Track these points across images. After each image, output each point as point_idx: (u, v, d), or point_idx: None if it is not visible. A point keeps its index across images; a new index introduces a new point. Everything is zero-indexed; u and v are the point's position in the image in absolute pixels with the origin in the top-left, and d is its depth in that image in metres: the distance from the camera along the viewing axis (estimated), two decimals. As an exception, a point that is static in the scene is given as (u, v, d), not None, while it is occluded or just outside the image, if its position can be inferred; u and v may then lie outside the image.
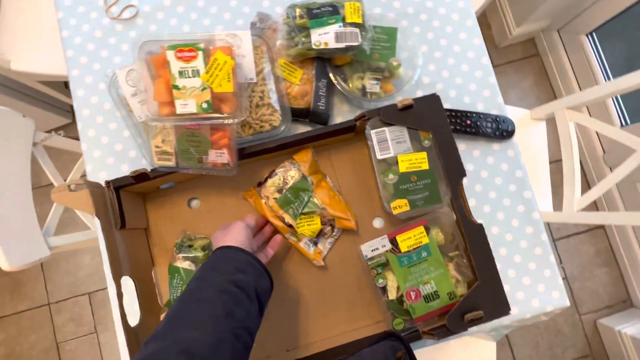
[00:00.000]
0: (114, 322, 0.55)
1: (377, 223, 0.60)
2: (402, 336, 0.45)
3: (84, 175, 0.63)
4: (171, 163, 0.52)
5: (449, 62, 0.65)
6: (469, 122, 0.61)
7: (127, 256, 0.51)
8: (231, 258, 0.44)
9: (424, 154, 0.54)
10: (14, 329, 1.24)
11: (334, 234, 0.58)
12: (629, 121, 1.18)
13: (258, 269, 0.44)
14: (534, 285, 0.59)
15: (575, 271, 1.28)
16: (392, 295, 0.52)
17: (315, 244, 0.57)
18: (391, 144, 0.54)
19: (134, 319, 0.49)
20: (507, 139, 0.63)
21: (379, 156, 0.54)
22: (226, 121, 0.48)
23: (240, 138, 0.56)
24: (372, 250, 0.53)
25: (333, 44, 0.55)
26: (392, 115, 0.53)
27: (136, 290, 0.51)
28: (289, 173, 0.57)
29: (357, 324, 0.57)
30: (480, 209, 0.61)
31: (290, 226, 0.56)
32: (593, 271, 1.28)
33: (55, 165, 0.81)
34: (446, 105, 0.64)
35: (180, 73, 0.48)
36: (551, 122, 0.94)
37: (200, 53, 0.48)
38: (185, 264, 0.54)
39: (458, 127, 0.61)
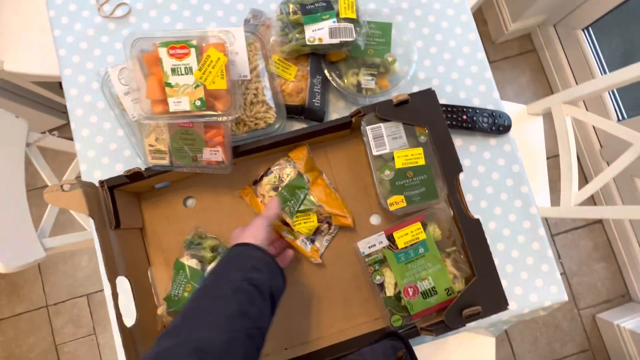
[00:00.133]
0: (111, 323, 0.55)
1: (374, 220, 0.60)
2: (403, 336, 0.45)
3: (79, 176, 0.62)
4: (165, 162, 0.51)
5: (444, 58, 0.65)
6: (465, 117, 0.61)
7: (122, 256, 0.51)
8: (248, 255, 0.43)
9: (420, 150, 0.53)
10: (12, 332, 1.24)
11: (330, 231, 0.58)
12: (625, 115, 1.18)
13: (273, 268, 0.44)
14: (531, 280, 0.59)
15: (574, 266, 1.28)
16: (390, 291, 0.52)
17: (312, 241, 0.57)
18: (387, 140, 0.53)
19: (130, 320, 0.49)
20: (504, 134, 0.63)
21: (375, 152, 0.53)
22: (220, 119, 0.48)
23: (235, 136, 0.55)
24: (369, 247, 0.53)
25: (327, 40, 0.54)
26: (388, 111, 0.53)
27: (132, 290, 0.51)
28: (284, 171, 0.56)
29: (355, 321, 0.57)
30: (477, 204, 0.61)
31: (286, 224, 0.56)
32: (591, 266, 1.28)
33: (51, 166, 0.80)
34: (442, 101, 0.64)
35: (173, 70, 0.47)
36: (548, 118, 0.94)
37: (192, 50, 0.47)
38: (192, 262, 0.53)
39: (454, 123, 0.61)
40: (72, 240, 0.76)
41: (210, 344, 0.34)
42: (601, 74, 1.20)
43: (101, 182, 0.51)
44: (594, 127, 1.24)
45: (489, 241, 0.50)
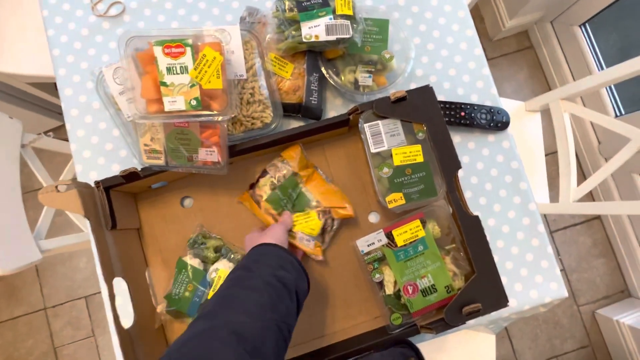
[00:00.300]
0: (109, 324, 0.54)
1: (373, 218, 0.60)
2: (413, 343, 0.45)
3: (75, 177, 0.62)
4: (160, 162, 0.51)
5: (442, 54, 0.65)
6: (463, 113, 0.61)
7: (119, 257, 0.51)
8: (274, 254, 0.44)
9: (418, 147, 0.53)
10: (10, 335, 1.23)
11: (334, 227, 0.57)
12: (623, 111, 1.18)
13: (298, 269, 0.44)
14: (531, 277, 0.59)
15: (573, 263, 1.28)
16: (389, 290, 0.52)
17: (315, 238, 0.56)
18: (385, 137, 0.53)
19: (127, 321, 0.48)
20: (502, 130, 0.62)
21: (373, 150, 0.53)
22: (216, 118, 0.47)
23: (231, 135, 0.55)
24: (368, 245, 0.53)
25: (324, 37, 0.54)
26: (386, 108, 0.53)
27: (129, 291, 0.51)
28: (280, 172, 0.56)
29: (355, 320, 0.57)
30: (476, 201, 0.61)
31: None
32: (590, 262, 1.28)
33: (47, 167, 0.79)
34: (440, 98, 0.63)
35: (168, 69, 0.47)
36: (546, 115, 0.94)
37: (188, 49, 0.47)
38: (195, 262, 0.53)
39: (452, 119, 0.61)
40: (69, 242, 0.75)
41: (246, 328, 0.35)
42: (598, 70, 1.20)
43: (97, 183, 0.51)
44: (592, 123, 1.24)
45: (488, 238, 0.49)
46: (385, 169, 0.53)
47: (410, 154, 0.53)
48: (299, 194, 0.55)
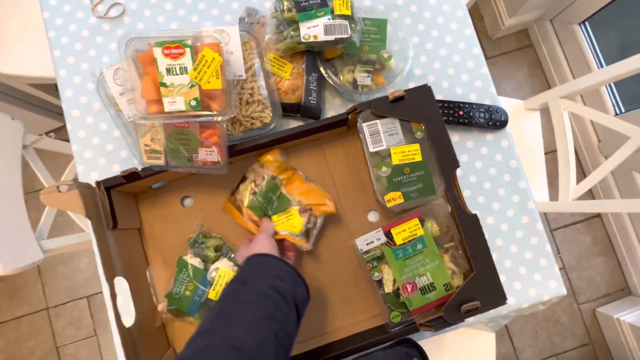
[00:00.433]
0: (111, 323, 0.55)
1: (372, 216, 0.60)
2: (417, 342, 0.45)
3: (77, 178, 0.62)
4: (161, 162, 0.51)
5: (440, 53, 0.65)
6: (461, 112, 0.61)
7: (120, 257, 0.51)
8: (269, 265, 0.44)
9: (416, 146, 0.53)
10: (13, 334, 1.24)
11: (317, 224, 0.56)
12: (623, 109, 1.18)
13: (295, 277, 0.45)
14: (530, 275, 0.59)
15: (573, 261, 1.28)
16: (388, 288, 0.52)
17: (298, 234, 0.56)
18: (383, 137, 0.53)
19: (129, 320, 0.49)
20: (501, 129, 0.63)
21: (372, 149, 0.53)
22: (215, 119, 0.48)
23: (231, 135, 0.55)
24: (367, 244, 0.53)
25: (322, 37, 0.54)
26: (384, 108, 0.53)
27: (130, 290, 0.51)
28: (259, 176, 0.56)
29: (354, 319, 0.57)
30: (475, 200, 0.61)
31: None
32: (590, 260, 1.28)
33: (49, 168, 0.80)
34: (439, 97, 0.64)
35: (168, 70, 0.47)
36: (545, 113, 0.94)
37: (187, 50, 0.47)
38: (195, 261, 0.53)
39: (451, 118, 0.61)
40: (71, 242, 0.75)
41: (244, 343, 0.35)
42: (598, 68, 1.20)
43: (98, 183, 0.51)
44: (591, 121, 1.24)
45: (487, 236, 0.50)
46: (384, 168, 0.53)
47: (408, 153, 0.53)
48: (279, 196, 0.55)
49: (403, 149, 0.53)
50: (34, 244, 0.68)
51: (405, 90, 0.53)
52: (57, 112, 1.26)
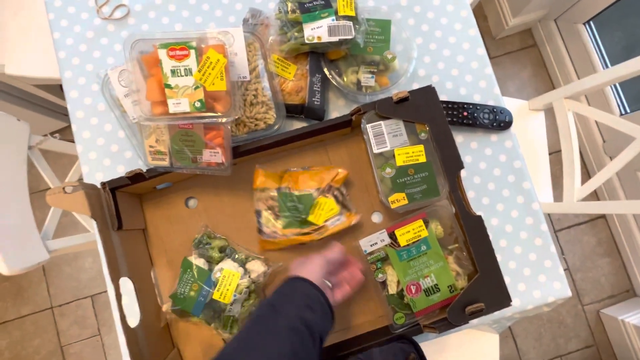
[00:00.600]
0: (115, 323, 0.55)
1: (376, 218, 0.60)
2: (414, 339, 0.45)
3: (81, 179, 0.63)
4: (165, 163, 0.51)
5: (444, 54, 0.65)
6: (465, 113, 0.61)
7: (125, 257, 0.51)
8: (304, 292, 0.43)
9: (421, 147, 0.53)
10: (18, 333, 1.25)
11: (344, 193, 0.57)
12: (628, 109, 1.18)
13: (325, 310, 0.43)
14: (534, 276, 0.59)
15: (577, 262, 1.27)
16: (393, 289, 0.52)
17: (341, 212, 0.56)
18: (387, 138, 0.53)
19: (134, 320, 0.49)
20: (505, 130, 0.62)
21: (376, 150, 0.53)
22: (220, 120, 0.48)
23: (235, 137, 0.55)
24: (371, 245, 0.53)
25: (326, 38, 0.54)
26: (388, 109, 0.53)
27: (135, 291, 0.51)
28: (268, 200, 0.56)
29: (358, 320, 0.57)
30: (479, 201, 0.61)
31: (306, 233, 0.55)
32: (595, 261, 1.27)
33: (53, 168, 0.80)
34: (442, 97, 0.63)
35: (173, 72, 0.47)
36: (549, 113, 0.93)
37: (192, 51, 0.47)
38: (200, 262, 0.54)
39: (455, 119, 0.61)
40: (76, 242, 0.76)
41: None
42: (603, 68, 1.19)
43: (103, 184, 0.51)
44: (596, 121, 1.24)
45: (491, 237, 0.49)
46: (388, 169, 0.53)
47: (412, 154, 0.53)
48: (299, 199, 0.56)
49: (407, 150, 0.53)
50: (40, 244, 0.68)
51: (409, 92, 0.53)
52: (61, 113, 1.27)
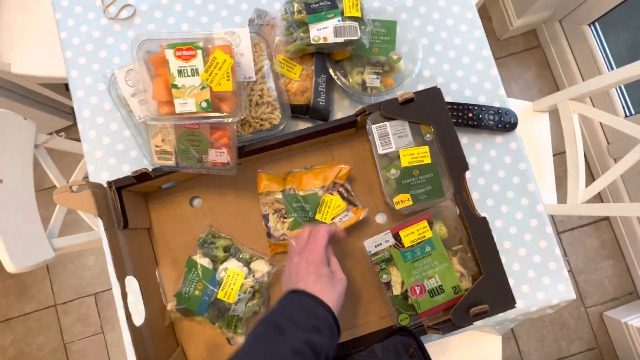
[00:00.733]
0: (120, 321, 0.56)
1: (380, 218, 0.60)
2: (413, 331, 0.44)
3: (86, 177, 0.63)
4: (171, 162, 0.52)
5: (449, 55, 0.65)
6: (471, 114, 0.61)
7: (130, 256, 0.51)
8: (312, 313, 0.40)
9: (426, 148, 0.53)
10: (22, 331, 1.26)
11: (349, 189, 0.58)
12: (633, 111, 1.17)
13: (333, 329, 0.41)
14: (538, 278, 0.59)
15: (581, 264, 1.27)
16: (397, 290, 0.52)
17: (348, 208, 0.57)
18: (392, 139, 0.53)
19: (139, 319, 0.49)
20: (510, 131, 0.62)
21: (381, 151, 0.53)
22: (226, 120, 0.48)
23: (240, 137, 0.56)
24: (376, 246, 0.53)
25: (332, 39, 0.54)
26: (393, 110, 0.53)
27: (140, 289, 0.52)
28: (274, 203, 0.57)
29: (362, 320, 0.57)
30: (483, 203, 0.61)
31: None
32: (598, 263, 1.27)
33: (58, 167, 0.81)
34: (447, 99, 0.63)
35: (180, 72, 0.47)
36: (553, 115, 0.93)
37: (199, 52, 0.47)
38: (205, 261, 0.54)
39: (460, 120, 0.61)
40: (81, 241, 0.76)
41: None
42: (608, 70, 1.19)
43: (109, 183, 0.52)
44: (600, 123, 1.23)
45: (495, 239, 0.49)
46: (393, 170, 0.53)
47: (417, 155, 0.53)
48: (304, 199, 0.56)
49: (412, 151, 0.53)
50: (45, 242, 0.69)
51: (414, 93, 0.53)
52: (65, 112, 1.27)
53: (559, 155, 1.23)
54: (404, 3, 0.66)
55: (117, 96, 0.56)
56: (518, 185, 0.61)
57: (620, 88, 1.18)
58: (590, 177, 1.28)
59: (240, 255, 0.56)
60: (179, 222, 0.59)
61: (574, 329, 1.25)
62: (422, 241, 0.52)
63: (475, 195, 0.61)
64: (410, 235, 0.52)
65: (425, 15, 0.66)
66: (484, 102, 0.64)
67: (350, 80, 0.59)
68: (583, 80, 1.25)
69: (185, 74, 0.47)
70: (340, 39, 0.54)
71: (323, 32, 0.54)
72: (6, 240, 0.60)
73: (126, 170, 0.61)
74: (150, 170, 0.52)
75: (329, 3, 0.55)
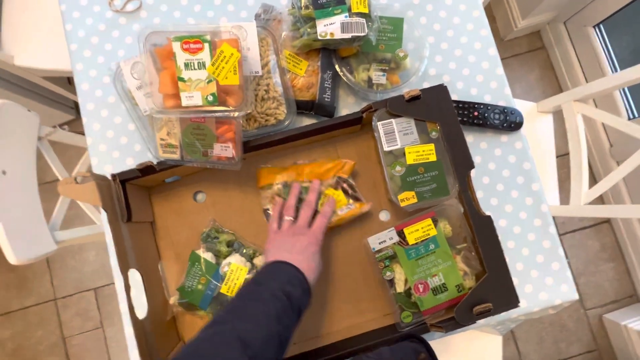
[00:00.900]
0: (121, 315, 0.55)
1: (383, 216, 0.60)
2: (424, 339, 0.45)
3: (89, 170, 0.63)
4: (176, 156, 0.52)
5: (455, 54, 0.64)
6: (476, 113, 0.61)
7: (133, 249, 0.51)
8: (285, 272, 0.46)
9: (431, 146, 0.53)
10: (21, 324, 1.26)
11: (352, 183, 0.58)
12: (636, 114, 1.17)
13: (305, 287, 0.46)
14: (541, 278, 0.59)
15: (581, 266, 1.27)
16: (400, 288, 0.52)
17: (353, 200, 0.57)
18: (398, 136, 0.53)
19: (141, 312, 0.49)
20: (515, 131, 0.62)
21: (386, 148, 0.53)
22: (232, 114, 0.48)
23: (245, 132, 0.55)
24: (380, 243, 0.53)
25: (339, 35, 0.54)
26: (399, 107, 0.53)
27: (143, 283, 0.51)
28: (275, 197, 0.57)
29: (364, 317, 0.57)
30: (487, 202, 0.61)
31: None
32: (599, 266, 1.27)
33: (60, 160, 0.81)
34: (453, 97, 0.63)
35: (186, 65, 0.47)
36: (556, 117, 0.93)
37: (206, 45, 0.47)
38: (208, 255, 0.54)
39: (465, 119, 0.61)
40: (82, 234, 0.76)
41: (252, 336, 0.38)
42: (612, 71, 1.19)
43: (113, 176, 0.52)
44: (604, 126, 1.23)
45: (499, 238, 0.49)
46: (398, 167, 0.53)
47: (423, 152, 0.53)
48: (306, 190, 0.56)
49: (417, 149, 0.53)
50: (47, 235, 0.68)
51: (421, 90, 0.52)
52: (67, 105, 1.27)
53: (561, 158, 1.22)
54: (411, 0, 0.66)
55: (122, 89, 0.56)
56: (522, 184, 0.61)
57: (623, 90, 1.18)
58: (592, 180, 1.28)
59: (244, 251, 0.55)
60: (182, 216, 0.59)
61: (574, 330, 1.25)
62: (426, 239, 0.52)
63: (479, 194, 0.61)
64: (415, 232, 0.52)
65: (432, 13, 0.65)
66: (489, 101, 0.63)
67: (356, 76, 0.59)
68: (586, 82, 1.24)
69: (192, 67, 0.47)
70: (347, 35, 0.54)
71: (330, 27, 0.54)
72: (9, 232, 0.60)
73: (130, 163, 0.61)
74: (155, 163, 0.52)
75: (336, -1, 0.55)
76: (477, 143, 0.62)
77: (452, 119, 0.52)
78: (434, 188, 0.53)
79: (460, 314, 0.48)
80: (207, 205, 0.60)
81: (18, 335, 1.25)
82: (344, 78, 0.58)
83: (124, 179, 0.52)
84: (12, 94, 1.03)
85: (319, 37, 0.55)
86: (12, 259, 0.60)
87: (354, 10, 0.55)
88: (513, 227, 0.60)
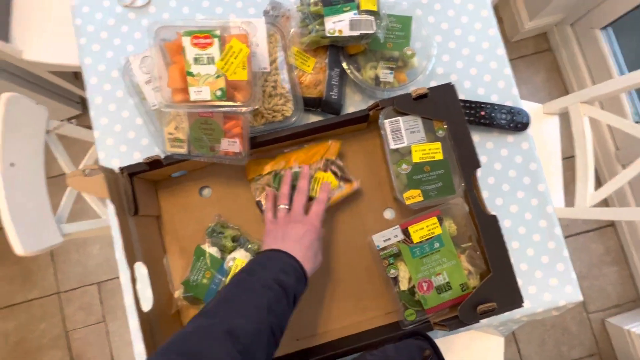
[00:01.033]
0: (125, 308, 0.56)
1: (388, 214, 0.60)
2: (429, 336, 0.45)
3: (97, 163, 0.63)
4: (183, 150, 0.52)
5: (463, 53, 0.64)
6: (483, 113, 0.61)
7: (139, 243, 0.52)
8: (277, 258, 0.46)
9: (438, 144, 0.53)
10: (24, 317, 1.27)
11: (340, 165, 0.57)
12: (643, 117, 1.16)
13: (299, 274, 0.45)
14: (546, 279, 0.59)
15: (584, 269, 1.26)
16: (404, 286, 0.52)
17: (343, 182, 0.57)
18: (405, 134, 0.53)
19: (146, 305, 0.50)
20: (522, 131, 0.62)
21: (392, 146, 0.53)
22: (240, 109, 0.48)
23: (252, 127, 0.56)
24: (384, 241, 0.53)
25: (347, 32, 0.54)
26: (406, 105, 0.53)
27: (149, 276, 0.52)
28: (266, 187, 0.57)
29: (367, 315, 0.57)
30: (493, 201, 0.61)
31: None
32: (602, 269, 1.26)
33: (67, 154, 0.81)
34: (460, 96, 0.63)
35: (196, 60, 0.47)
36: (562, 119, 0.92)
37: (216, 40, 0.47)
38: (213, 250, 0.54)
39: (472, 118, 0.61)
40: (89, 227, 0.77)
41: (241, 329, 0.37)
42: (619, 74, 1.18)
43: (121, 169, 0.52)
44: (610, 129, 1.22)
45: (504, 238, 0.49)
46: (404, 166, 0.53)
47: (429, 151, 0.53)
48: (295, 176, 0.56)
49: (424, 147, 0.53)
50: (54, 228, 0.69)
51: (428, 88, 0.52)
52: (74, 100, 1.28)
53: (566, 160, 1.22)
54: (419, -1, 0.66)
55: (131, 83, 0.56)
56: (528, 185, 0.61)
57: (630, 94, 1.17)
58: (597, 183, 1.28)
59: (249, 246, 0.56)
60: (188, 211, 0.60)
61: (576, 334, 1.25)
62: (431, 237, 0.52)
63: (485, 194, 0.61)
64: (420, 231, 0.52)
65: (440, 12, 0.65)
66: (496, 101, 0.63)
67: (364, 74, 0.59)
68: (593, 84, 1.24)
69: (201, 62, 0.47)
70: (356, 33, 0.54)
71: (339, 24, 0.54)
72: (16, 223, 0.61)
73: (137, 157, 0.62)
74: (162, 157, 0.52)
75: (345, -4, 0.55)
76: (484, 143, 0.62)
77: (459, 118, 0.52)
78: (440, 187, 0.53)
79: (464, 312, 0.48)
80: (212, 200, 0.60)
81: (21, 327, 1.26)
82: (351, 76, 0.58)
83: (132, 173, 0.52)
84: (19, 87, 1.04)
85: (328, 34, 0.55)
86: (19, 249, 0.60)
87: (363, 7, 0.55)
88: (518, 227, 0.60)
